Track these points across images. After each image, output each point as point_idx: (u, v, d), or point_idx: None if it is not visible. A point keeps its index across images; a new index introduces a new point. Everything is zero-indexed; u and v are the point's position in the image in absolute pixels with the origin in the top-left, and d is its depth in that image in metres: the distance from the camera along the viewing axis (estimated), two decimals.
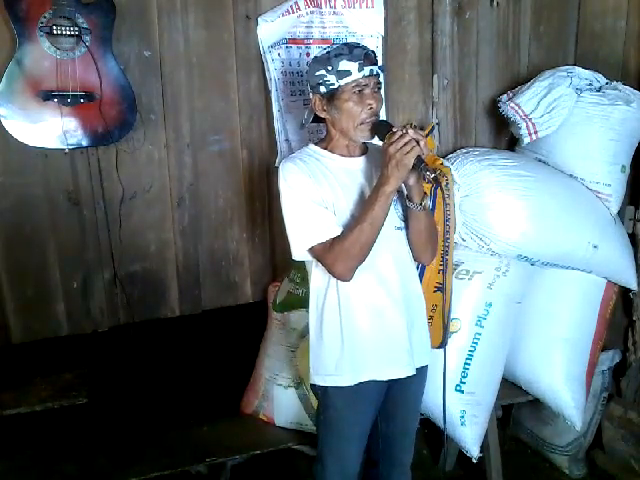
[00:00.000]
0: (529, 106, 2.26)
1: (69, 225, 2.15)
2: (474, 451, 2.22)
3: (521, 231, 2.16)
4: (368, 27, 2.27)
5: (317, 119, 1.70)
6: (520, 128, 2.26)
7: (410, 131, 1.49)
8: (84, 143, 2.01)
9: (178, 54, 2.15)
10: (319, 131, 2.22)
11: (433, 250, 1.78)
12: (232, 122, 2.26)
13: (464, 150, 2.43)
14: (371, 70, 1.57)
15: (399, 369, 1.69)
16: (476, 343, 2.21)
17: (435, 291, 2.11)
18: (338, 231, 1.58)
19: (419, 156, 1.48)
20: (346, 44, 1.62)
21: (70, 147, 2.00)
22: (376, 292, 1.64)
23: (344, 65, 1.56)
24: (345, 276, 1.58)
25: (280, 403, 2.16)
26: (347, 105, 1.58)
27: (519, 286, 2.28)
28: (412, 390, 1.78)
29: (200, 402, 2.30)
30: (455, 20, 2.39)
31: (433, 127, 2.41)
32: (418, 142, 1.48)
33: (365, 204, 1.57)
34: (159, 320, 2.32)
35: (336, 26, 2.24)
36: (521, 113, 2.26)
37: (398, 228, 1.68)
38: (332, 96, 1.59)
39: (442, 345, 2.16)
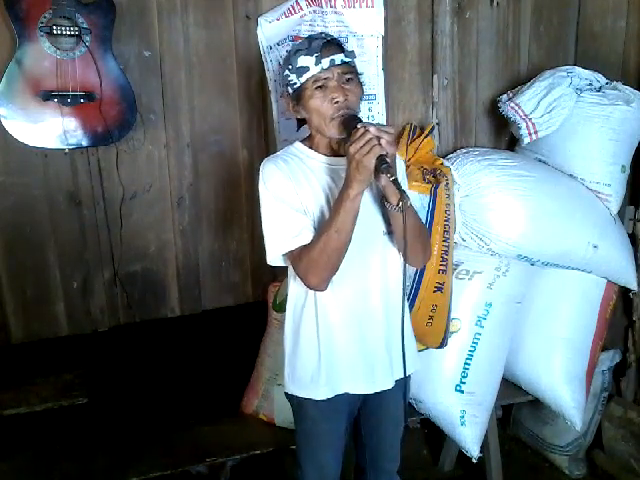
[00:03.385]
0: (529, 106, 2.26)
1: (69, 225, 2.15)
2: (474, 451, 2.22)
3: (521, 231, 2.16)
4: (368, 27, 2.27)
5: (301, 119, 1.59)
6: (520, 128, 2.26)
7: (372, 128, 1.35)
8: (84, 143, 2.01)
9: (178, 54, 2.15)
10: None
11: (423, 253, 1.63)
12: (232, 122, 2.26)
13: (464, 150, 2.42)
14: (332, 60, 1.44)
15: (375, 384, 1.62)
16: (476, 343, 2.21)
17: (435, 291, 2.11)
18: (307, 239, 1.46)
19: (382, 156, 1.34)
20: (309, 37, 1.51)
21: (70, 147, 2.00)
22: (356, 303, 1.55)
23: (302, 61, 1.45)
24: (319, 287, 1.49)
25: (280, 403, 2.15)
26: (312, 103, 1.48)
27: (519, 286, 2.28)
28: (393, 403, 1.68)
29: (200, 402, 2.30)
30: (455, 20, 2.39)
31: (433, 127, 2.41)
32: (380, 140, 1.34)
33: (332, 210, 1.45)
34: (159, 320, 2.32)
35: (337, 26, 2.24)
36: (521, 113, 2.26)
37: (386, 233, 1.57)
38: (297, 96, 1.50)
39: (442, 345, 2.17)
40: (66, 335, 2.22)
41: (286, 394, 1.70)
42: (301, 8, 2.18)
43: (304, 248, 1.47)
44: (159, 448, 2.08)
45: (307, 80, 1.46)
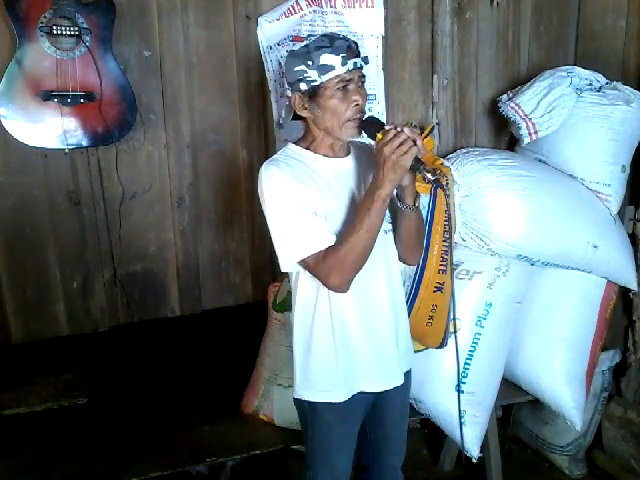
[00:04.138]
0: (529, 106, 2.26)
1: (69, 225, 2.15)
2: (474, 451, 2.22)
3: (521, 231, 2.16)
4: (368, 27, 2.27)
5: (296, 116, 1.57)
6: (520, 128, 2.26)
7: (406, 129, 1.38)
8: (84, 143, 2.02)
9: (178, 54, 2.15)
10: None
11: (421, 250, 1.73)
12: (232, 122, 2.26)
13: (464, 150, 2.42)
14: (355, 63, 1.45)
15: (390, 380, 1.64)
16: (476, 343, 2.21)
17: (435, 291, 2.11)
18: (332, 240, 1.46)
19: (417, 157, 1.38)
20: (326, 35, 1.48)
21: (70, 147, 2.00)
22: (367, 301, 1.56)
23: (326, 59, 1.42)
24: (341, 288, 1.48)
25: (280, 403, 2.16)
26: (331, 102, 1.46)
27: (519, 286, 2.28)
28: (399, 396, 1.71)
29: (200, 402, 2.30)
30: (455, 20, 2.39)
31: (433, 127, 2.41)
32: (415, 141, 1.37)
33: (359, 210, 1.45)
34: (159, 320, 2.32)
35: (337, 26, 2.24)
36: (521, 113, 2.26)
37: (386, 231, 1.58)
38: (314, 93, 1.46)
39: (442, 345, 2.17)
40: (66, 335, 2.22)
41: (296, 400, 1.66)
42: (301, 8, 2.19)
43: (328, 250, 1.45)
44: (159, 448, 2.08)
45: (331, 79, 1.44)
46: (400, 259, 1.67)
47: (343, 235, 1.46)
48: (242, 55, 2.21)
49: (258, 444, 2.13)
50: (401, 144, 1.37)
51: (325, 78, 1.44)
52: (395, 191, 1.52)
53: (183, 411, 2.26)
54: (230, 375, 2.36)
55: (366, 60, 1.50)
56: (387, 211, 1.57)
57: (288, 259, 1.49)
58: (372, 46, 2.27)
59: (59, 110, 1.95)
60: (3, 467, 2.00)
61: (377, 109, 2.31)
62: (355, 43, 1.49)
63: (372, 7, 2.25)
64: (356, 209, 1.48)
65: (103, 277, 2.23)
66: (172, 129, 2.20)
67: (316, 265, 1.46)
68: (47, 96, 1.92)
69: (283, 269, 1.53)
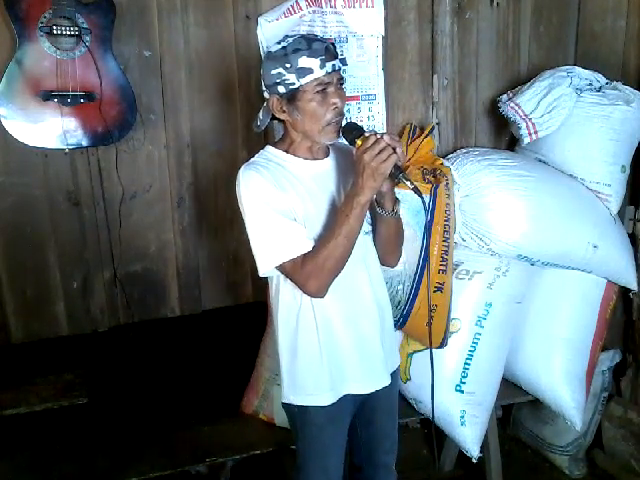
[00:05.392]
0: (529, 106, 2.26)
1: (69, 225, 2.16)
2: (474, 451, 2.22)
3: (521, 231, 2.16)
4: (368, 27, 2.27)
5: (275, 117, 1.56)
6: (520, 128, 2.26)
7: (385, 137, 1.38)
8: (84, 143, 2.02)
9: (178, 54, 2.15)
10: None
11: (400, 252, 1.71)
12: (232, 122, 2.26)
13: (464, 150, 2.42)
14: (333, 66, 1.44)
15: (377, 381, 1.64)
16: (476, 343, 2.21)
17: (435, 291, 2.11)
18: (309, 246, 1.45)
19: (396, 164, 1.38)
20: (303, 37, 1.46)
21: (70, 147, 2.00)
22: (351, 302, 1.56)
23: (304, 62, 1.41)
24: (319, 293, 1.48)
25: (280, 403, 2.15)
26: (310, 106, 1.45)
27: (519, 286, 2.28)
28: (387, 394, 1.70)
29: (200, 402, 2.30)
30: (455, 20, 2.39)
31: (433, 127, 2.41)
32: (394, 149, 1.37)
33: (338, 216, 1.44)
34: (159, 320, 2.32)
35: (337, 26, 2.24)
36: (521, 113, 2.26)
37: (366, 233, 1.58)
38: (292, 97, 1.46)
39: (442, 345, 2.17)
40: (66, 335, 2.22)
41: (284, 404, 1.67)
42: (301, 8, 2.18)
43: (306, 255, 1.44)
44: (159, 448, 2.08)
45: (309, 82, 1.43)
46: (380, 261, 1.67)
47: (321, 241, 1.46)
48: (242, 55, 2.21)
49: (258, 444, 2.13)
50: (381, 151, 1.36)
51: (303, 81, 1.43)
52: (374, 196, 1.51)
53: (183, 411, 2.26)
54: (230, 375, 2.36)
55: (344, 62, 1.51)
56: (367, 212, 1.55)
57: (265, 264, 1.49)
58: (372, 46, 2.27)
59: (59, 110, 1.95)
60: (3, 467, 2.00)
61: (377, 109, 2.31)
62: (333, 45, 1.48)
63: (372, 7, 2.25)
64: (335, 215, 1.47)
65: (103, 277, 2.23)
66: (172, 129, 2.20)
67: (294, 271, 1.46)
68: (47, 96, 1.92)
69: (261, 274, 1.52)
